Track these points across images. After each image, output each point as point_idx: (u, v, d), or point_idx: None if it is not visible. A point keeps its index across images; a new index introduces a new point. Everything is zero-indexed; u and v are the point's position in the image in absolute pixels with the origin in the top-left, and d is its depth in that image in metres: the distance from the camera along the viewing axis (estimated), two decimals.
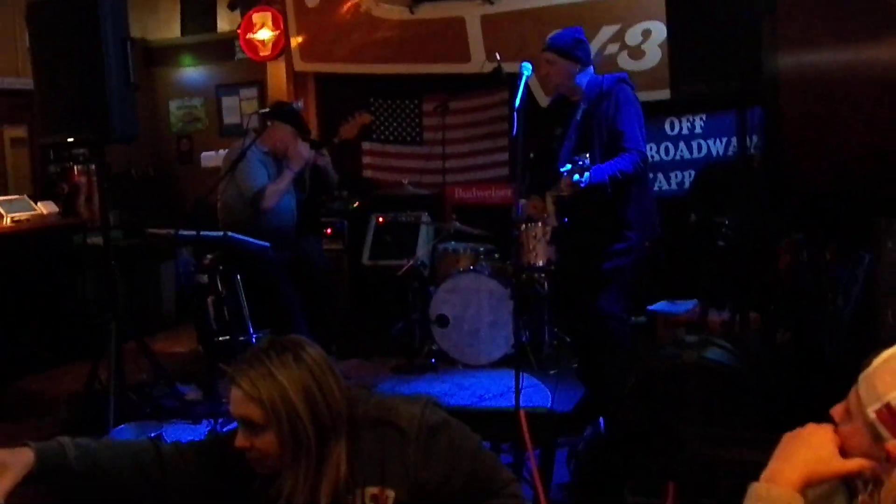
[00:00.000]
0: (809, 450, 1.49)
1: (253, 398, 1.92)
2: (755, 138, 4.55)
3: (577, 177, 4.22)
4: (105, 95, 4.69)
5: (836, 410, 1.53)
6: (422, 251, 6.25)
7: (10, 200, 7.45)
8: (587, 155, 4.30)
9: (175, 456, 2.11)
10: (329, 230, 6.81)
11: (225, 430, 4.68)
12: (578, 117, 4.73)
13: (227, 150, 5.94)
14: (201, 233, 5.01)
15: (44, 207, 7.60)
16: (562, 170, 4.32)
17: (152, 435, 4.27)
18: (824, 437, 1.50)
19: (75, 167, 8.11)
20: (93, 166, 7.86)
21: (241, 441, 1.97)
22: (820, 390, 3.25)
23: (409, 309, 6.00)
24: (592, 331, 4.72)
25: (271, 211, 5.51)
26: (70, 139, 5.10)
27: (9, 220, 7.20)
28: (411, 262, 5.94)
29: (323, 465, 1.96)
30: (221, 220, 5.66)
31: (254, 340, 5.17)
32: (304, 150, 5.62)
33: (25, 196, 7.68)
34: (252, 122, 6.21)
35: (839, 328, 4.02)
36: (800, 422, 1.55)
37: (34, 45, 5.08)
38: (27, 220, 7.33)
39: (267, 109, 6.05)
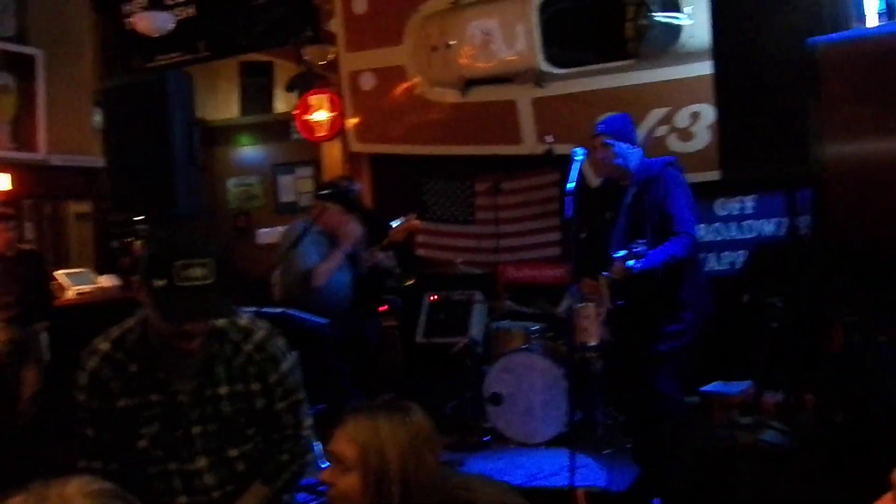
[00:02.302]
0: None
1: (351, 438, 2.01)
2: (806, 219, 4.59)
3: (630, 262, 4.29)
4: (171, 174, 4.90)
5: None
6: (475, 329, 6.29)
7: (75, 273, 7.70)
8: (643, 242, 4.36)
9: None
10: (383, 307, 6.89)
11: None
12: (629, 200, 4.79)
13: (286, 227, 6.07)
14: (262, 309, 5.12)
15: (106, 281, 7.83)
16: (615, 256, 4.38)
17: None
18: None
19: (136, 242, 8.34)
20: None
21: (327, 475, 2.05)
22: (877, 472, 3.24)
23: (462, 387, 6.04)
24: (647, 411, 4.73)
25: (324, 288, 5.59)
26: (138, 217, 5.30)
27: (73, 292, 7.43)
28: (465, 341, 6.00)
29: None
30: (277, 295, 5.76)
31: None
32: (354, 229, 5.67)
33: (88, 270, 7.92)
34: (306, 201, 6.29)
35: (894, 410, 3.99)
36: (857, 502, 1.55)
37: (106, 126, 5.32)
38: (90, 292, 7.55)
39: (320, 192, 6.07)
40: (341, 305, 5.75)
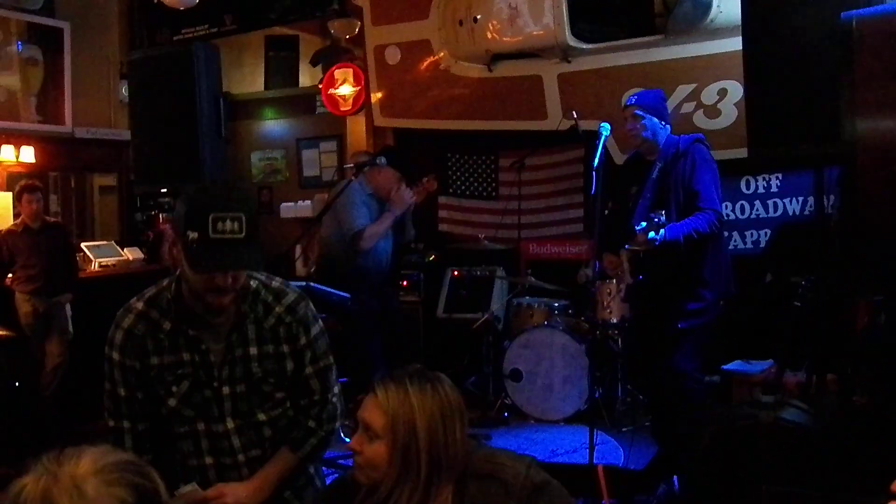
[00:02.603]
0: None
1: (380, 406, 2.02)
2: (832, 198, 4.53)
3: (652, 234, 4.22)
4: (198, 148, 4.88)
5: None
6: (496, 305, 6.29)
7: (99, 245, 7.75)
8: (663, 212, 4.29)
9: None
10: (405, 282, 6.89)
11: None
12: (654, 176, 4.72)
13: (323, 195, 6.05)
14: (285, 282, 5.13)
15: (129, 253, 7.89)
16: (636, 227, 4.32)
17: None
18: None
19: (160, 215, 8.39)
20: None
21: (354, 442, 2.06)
22: None
23: (482, 362, 6.04)
24: (666, 389, 4.69)
25: (369, 252, 5.57)
26: (163, 189, 5.31)
27: (97, 264, 7.49)
28: (486, 316, 6.00)
29: (428, 502, 2.02)
30: (319, 254, 5.76)
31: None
32: (406, 195, 5.65)
33: (113, 242, 7.98)
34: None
35: None
36: (877, 485, 1.53)
37: (132, 99, 5.31)
38: (114, 265, 7.61)
39: (378, 155, 6.03)
40: (380, 272, 5.73)
